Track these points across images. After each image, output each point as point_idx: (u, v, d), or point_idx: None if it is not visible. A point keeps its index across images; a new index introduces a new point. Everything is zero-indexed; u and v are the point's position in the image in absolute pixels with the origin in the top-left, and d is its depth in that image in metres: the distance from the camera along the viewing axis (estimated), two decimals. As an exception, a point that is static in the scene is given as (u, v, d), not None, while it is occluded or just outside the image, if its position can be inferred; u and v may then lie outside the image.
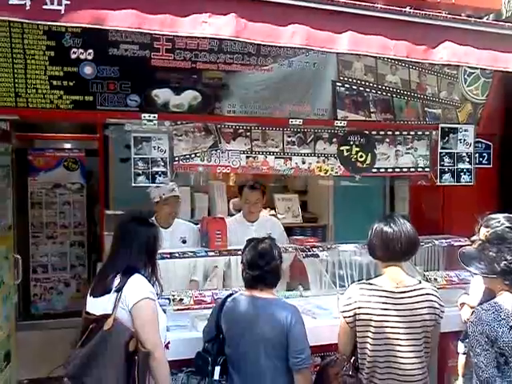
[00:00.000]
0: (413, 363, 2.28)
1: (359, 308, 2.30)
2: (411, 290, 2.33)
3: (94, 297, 2.28)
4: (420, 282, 2.41)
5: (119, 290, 2.19)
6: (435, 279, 3.36)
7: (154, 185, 3.26)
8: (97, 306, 2.24)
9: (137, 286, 2.22)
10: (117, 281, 2.22)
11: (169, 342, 2.41)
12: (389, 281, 2.34)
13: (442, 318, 2.37)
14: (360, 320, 2.30)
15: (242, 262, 2.51)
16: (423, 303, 2.31)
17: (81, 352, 2.15)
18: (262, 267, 2.41)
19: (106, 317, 2.15)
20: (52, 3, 1.92)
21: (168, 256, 3.12)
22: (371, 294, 2.31)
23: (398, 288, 2.32)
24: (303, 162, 3.47)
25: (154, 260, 2.37)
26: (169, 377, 2.29)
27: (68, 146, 5.59)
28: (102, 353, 2.11)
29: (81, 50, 2.83)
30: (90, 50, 2.85)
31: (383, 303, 2.29)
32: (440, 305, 2.35)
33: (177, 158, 3.19)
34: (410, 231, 2.34)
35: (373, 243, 2.39)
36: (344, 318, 2.35)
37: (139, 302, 2.18)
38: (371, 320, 2.28)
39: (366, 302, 2.30)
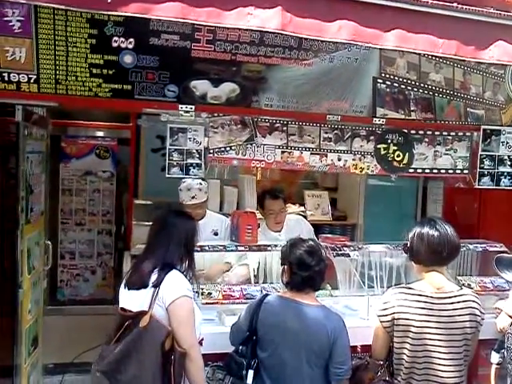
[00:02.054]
0: (451, 371, 2.22)
1: (398, 313, 2.24)
2: (452, 297, 2.26)
3: (129, 289, 2.25)
4: (461, 288, 2.34)
5: (156, 285, 2.15)
6: (469, 285, 3.28)
7: (188, 177, 3.24)
8: (133, 300, 2.21)
9: (174, 283, 2.18)
10: (154, 276, 2.18)
11: (202, 339, 2.37)
12: (429, 286, 2.27)
13: (482, 325, 2.30)
14: (398, 325, 2.25)
15: (284, 264, 2.41)
16: (464, 310, 2.25)
17: (115, 348, 2.12)
18: (312, 267, 2.32)
19: (142, 314, 2.12)
20: (99, -9, 1.90)
21: (199, 249, 3.10)
22: (411, 298, 2.25)
23: (438, 294, 2.25)
24: (339, 159, 3.40)
25: (191, 254, 2.33)
26: (204, 377, 2.26)
27: (100, 134, 5.61)
28: (137, 350, 2.08)
29: (122, 39, 2.80)
30: (131, 39, 2.82)
31: (423, 309, 2.23)
32: (481, 312, 2.29)
33: (211, 151, 3.16)
34: (454, 235, 2.28)
35: (416, 247, 2.31)
36: (381, 322, 2.30)
37: (176, 299, 2.15)
38: (411, 326, 2.22)
39: (405, 307, 2.24)
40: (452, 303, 2.25)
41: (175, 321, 2.14)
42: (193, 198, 3.55)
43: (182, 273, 2.26)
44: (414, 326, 2.22)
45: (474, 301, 2.30)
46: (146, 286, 2.18)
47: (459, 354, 2.25)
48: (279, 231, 3.77)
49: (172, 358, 2.09)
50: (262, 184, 4.89)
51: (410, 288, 2.31)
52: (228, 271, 3.57)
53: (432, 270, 2.30)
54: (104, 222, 5.70)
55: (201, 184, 3.58)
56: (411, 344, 2.23)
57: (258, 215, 3.86)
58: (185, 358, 2.12)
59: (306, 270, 2.32)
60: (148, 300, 2.14)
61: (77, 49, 2.80)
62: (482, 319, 2.31)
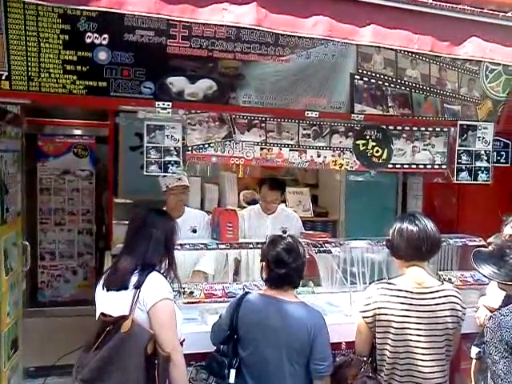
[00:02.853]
0: (433, 366, 2.23)
1: (379, 308, 2.24)
2: (433, 292, 2.27)
3: (108, 290, 2.19)
4: (442, 283, 2.35)
5: (137, 287, 2.10)
6: (449, 279, 3.30)
7: (164, 174, 3.21)
8: (113, 303, 2.15)
9: (155, 285, 2.13)
10: (134, 278, 2.13)
11: (183, 340, 2.33)
12: (410, 281, 2.28)
13: (463, 320, 2.31)
14: (380, 321, 2.25)
15: (263, 260, 2.40)
16: (445, 305, 2.26)
17: (96, 355, 2.05)
18: (289, 265, 2.31)
19: (123, 318, 2.06)
20: (69, -15, 1.86)
21: (179, 247, 3.06)
22: (392, 294, 2.25)
23: (419, 289, 2.26)
24: (318, 156, 3.40)
25: (171, 254, 2.29)
26: (186, 379, 2.22)
27: (78, 132, 5.55)
28: (120, 356, 2.02)
29: (96, 35, 2.75)
30: (105, 35, 2.77)
31: (404, 304, 2.23)
32: (462, 307, 2.30)
33: (190, 148, 3.13)
34: (434, 230, 2.29)
35: (396, 242, 2.32)
36: (363, 318, 2.30)
37: (158, 302, 2.10)
38: (392, 321, 2.22)
39: (386, 303, 2.24)
40: (433, 298, 2.25)
41: (157, 324, 2.09)
42: (179, 179, 3.56)
43: (162, 273, 2.22)
44: (395, 322, 2.22)
45: (454, 296, 2.31)
46: (126, 288, 2.12)
47: (441, 349, 2.25)
48: (269, 214, 3.94)
49: (156, 362, 2.04)
50: (242, 182, 4.87)
51: (391, 283, 2.31)
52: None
53: (413, 264, 2.30)
54: (84, 221, 5.65)
55: None
56: (392, 339, 2.23)
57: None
58: (168, 362, 2.07)
59: (282, 268, 2.31)
60: (128, 303, 2.08)
61: (49, 45, 2.73)
62: (464, 314, 2.32)
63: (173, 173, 3.15)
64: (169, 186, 3.55)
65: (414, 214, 2.42)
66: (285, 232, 3.43)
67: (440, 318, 2.24)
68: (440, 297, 2.26)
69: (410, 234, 2.27)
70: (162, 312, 2.11)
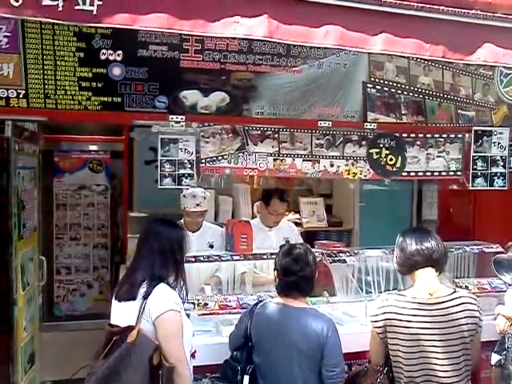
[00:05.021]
0: (451, 376, 2.17)
1: (389, 319, 2.21)
2: (447, 301, 2.21)
3: (118, 301, 2.22)
4: (455, 291, 2.30)
5: (144, 298, 2.12)
6: (466, 286, 3.25)
7: (181, 187, 3.22)
8: (121, 313, 2.18)
9: (161, 297, 2.14)
10: (143, 289, 2.15)
11: (195, 351, 2.33)
12: (421, 291, 2.23)
13: (481, 326, 2.26)
14: (391, 332, 2.21)
15: (275, 269, 2.44)
16: (461, 313, 2.20)
17: (103, 365, 2.07)
18: (296, 273, 2.33)
19: (129, 329, 2.08)
20: (84, 3, 1.90)
21: (193, 260, 3.08)
22: (402, 305, 2.21)
23: (431, 299, 2.21)
24: (331, 165, 3.40)
25: (181, 265, 2.29)
26: None
27: (93, 147, 5.63)
28: (126, 366, 2.03)
29: (110, 51, 2.81)
30: (119, 51, 2.82)
31: (415, 315, 2.18)
32: (479, 312, 2.24)
33: (203, 160, 3.15)
34: (433, 236, 2.28)
35: (399, 260, 2.32)
36: (374, 327, 2.27)
37: (163, 314, 2.10)
38: (402, 333, 2.19)
39: (396, 314, 2.20)
40: (447, 308, 2.20)
41: (162, 335, 2.10)
42: (197, 205, 3.54)
43: (171, 285, 2.23)
44: (404, 334, 2.18)
45: (470, 302, 2.25)
46: (134, 298, 2.15)
47: (458, 359, 2.20)
48: (271, 227, 3.81)
49: (160, 373, 2.04)
50: (256, 193, 4.87)
51: (401, 295, 2.27)
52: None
53: (420, 267, 2.25)
54: (99, 235, 5.70)
55: (204, 193, 3.59)
56: (404, 352, 2.19)
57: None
58: (173, 373, 2.07)
59: (290, 276, 2.34)
60: (135, 314, 2.10)
61: (65, 62, 2.79)
62: (481, 320, 2.27)
63: (187, 185, 3.17)
64: (186, 209, 3.56)
65: (412, 228, 2.42)
66: (288, 242, 3.41)
67: (455, 327, 2.19)
68: (454, 305, 2.21)
69: (407, 246, 2.28)
70: (166, 323, 2.12)
